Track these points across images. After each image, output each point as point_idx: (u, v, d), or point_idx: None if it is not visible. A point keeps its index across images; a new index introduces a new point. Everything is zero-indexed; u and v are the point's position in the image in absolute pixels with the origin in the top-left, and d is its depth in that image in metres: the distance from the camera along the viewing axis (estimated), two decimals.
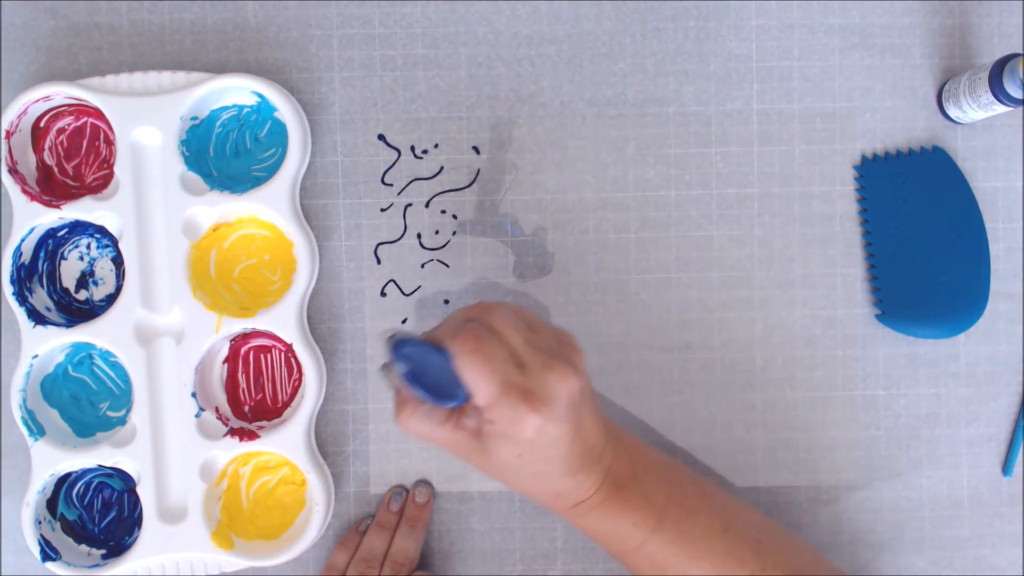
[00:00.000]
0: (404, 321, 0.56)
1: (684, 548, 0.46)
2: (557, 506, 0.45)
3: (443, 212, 0.56)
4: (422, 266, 0.56)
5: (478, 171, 0.56)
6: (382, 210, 0.56)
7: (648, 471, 0.46)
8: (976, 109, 0.53)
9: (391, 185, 0.56)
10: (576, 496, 0.45)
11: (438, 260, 0.56)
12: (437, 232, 0.56)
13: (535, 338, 0.42)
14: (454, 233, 0.56)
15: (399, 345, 0.42)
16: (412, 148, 0.56)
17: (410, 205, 0.56)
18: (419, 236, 0.56)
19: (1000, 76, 0.50)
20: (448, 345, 0.41)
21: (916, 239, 0.56)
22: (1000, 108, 0.52)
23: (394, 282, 0.56)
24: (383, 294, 0.56)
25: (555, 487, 0.44)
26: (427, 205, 0.56)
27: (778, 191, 0.56)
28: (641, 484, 0.46)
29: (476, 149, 0.56)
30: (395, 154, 0.56)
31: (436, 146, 0.56)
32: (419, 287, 0.56)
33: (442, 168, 0.56)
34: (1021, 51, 0.56)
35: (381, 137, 0.56)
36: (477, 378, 0.40)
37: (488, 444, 0.42)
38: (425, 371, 0.42)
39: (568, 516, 0.46)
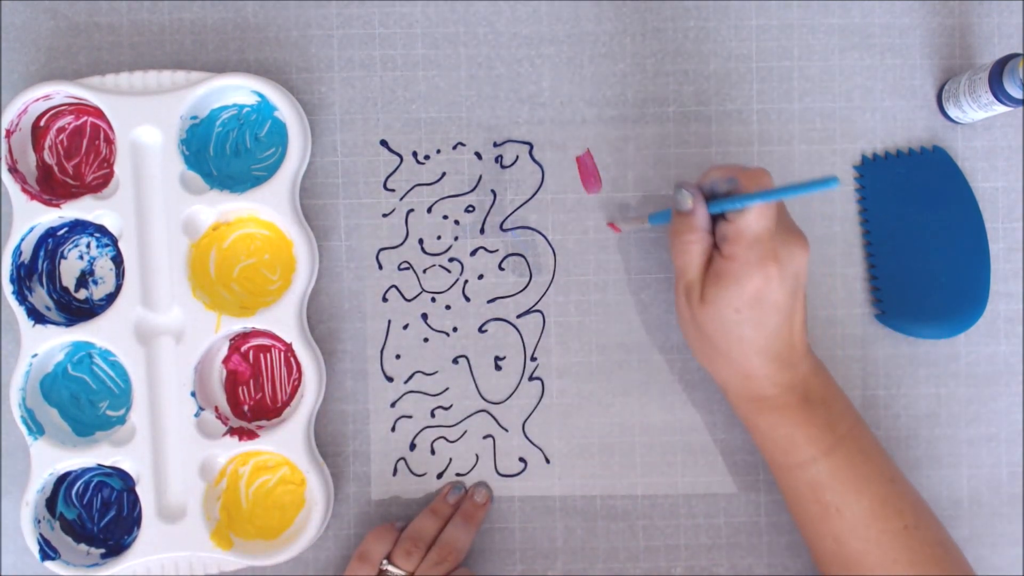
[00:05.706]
0: (406, 327, 0.56)
1: (849, 479, 0.47)
2: (742, 392, 0.47)
3: (445, 218, 0.56)
4: (424, 271, 0.56)
5: (480, 177, 0.56)
6: (384, 215, 0.56)
7: (838, 399, 0.48)
8: (976, 109, 0.53)
9: (393, 191, 0.56)
10: (762, 388, 0.46)
11: (440, 265, 0.56)
12: (439, 237, 0.56)
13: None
14: (456, 238, 0.56)
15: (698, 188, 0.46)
16: (414, 154, 0.56)
17: (412, 210, 0.56)
18: (421, 241, 0.56)
19: (1000, 76, 0.50)
20: (739, 176, 0.45)
21: (916, 239, 0.56)
22: (1000, 108, 0.52)
23: (396, 287, 0.56)
24: (384, 299, 0.56)
25: (749, 366, 0.46)
26: (429, 211, 0.56)
27: None
28: (829, 407, 0.47)
29: (478, 155, 0.56)
30: (397, 159, 0.56)
31: (438, 151, 0.56)
32: (420, 292, 0.56)
33: (444, 174, 0.56)
34: (1021, 51, 0.56)
35: (384, 143, 0.56)
36: (762, 205, 0.43)
37: (715, 290, 0.44)
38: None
39: (745, 410, 0.48)
